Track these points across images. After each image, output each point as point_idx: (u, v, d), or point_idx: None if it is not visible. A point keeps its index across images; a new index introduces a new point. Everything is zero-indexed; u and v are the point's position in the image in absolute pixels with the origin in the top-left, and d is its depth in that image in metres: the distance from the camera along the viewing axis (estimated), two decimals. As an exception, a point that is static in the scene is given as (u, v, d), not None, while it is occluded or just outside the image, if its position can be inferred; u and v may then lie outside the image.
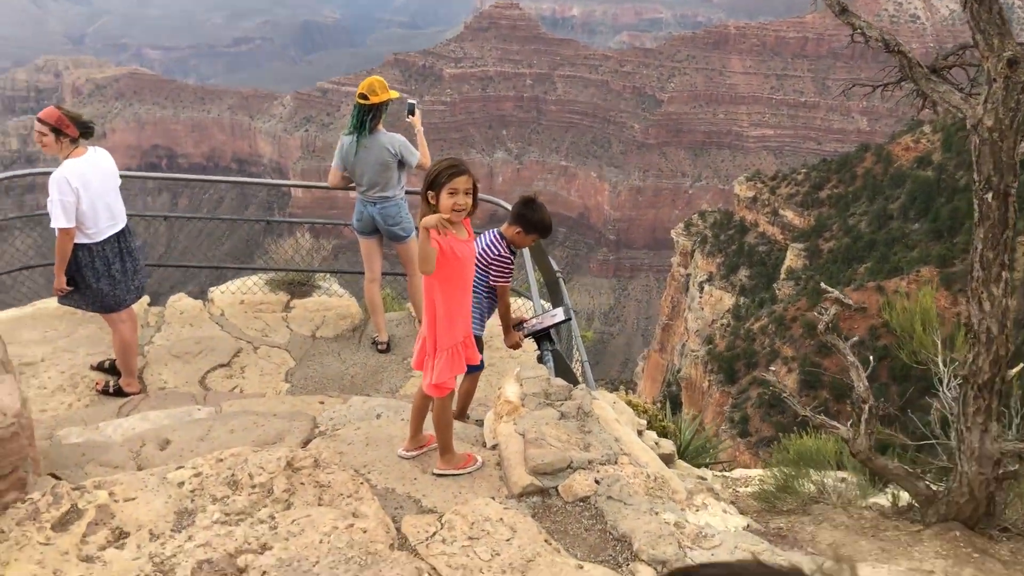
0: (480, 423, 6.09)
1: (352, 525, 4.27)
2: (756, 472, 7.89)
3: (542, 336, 6.40)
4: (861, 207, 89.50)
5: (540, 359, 6.43)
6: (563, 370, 6.19)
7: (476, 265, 5.83)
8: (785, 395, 5.79)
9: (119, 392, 8.14)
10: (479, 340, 6.11)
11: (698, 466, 7.90)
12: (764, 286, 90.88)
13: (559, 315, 6.33)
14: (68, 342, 9.04)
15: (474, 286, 5.75)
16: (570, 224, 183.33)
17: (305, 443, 5.52)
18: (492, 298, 6.03)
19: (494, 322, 6.51)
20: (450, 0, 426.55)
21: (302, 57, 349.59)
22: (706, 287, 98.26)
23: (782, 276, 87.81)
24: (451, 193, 4.67)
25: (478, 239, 5.93)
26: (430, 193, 4.71)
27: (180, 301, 10.10)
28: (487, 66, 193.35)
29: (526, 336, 6.34)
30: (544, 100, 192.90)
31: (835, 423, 5.74)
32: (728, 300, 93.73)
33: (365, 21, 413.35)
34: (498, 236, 5.90)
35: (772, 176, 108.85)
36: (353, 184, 8.65)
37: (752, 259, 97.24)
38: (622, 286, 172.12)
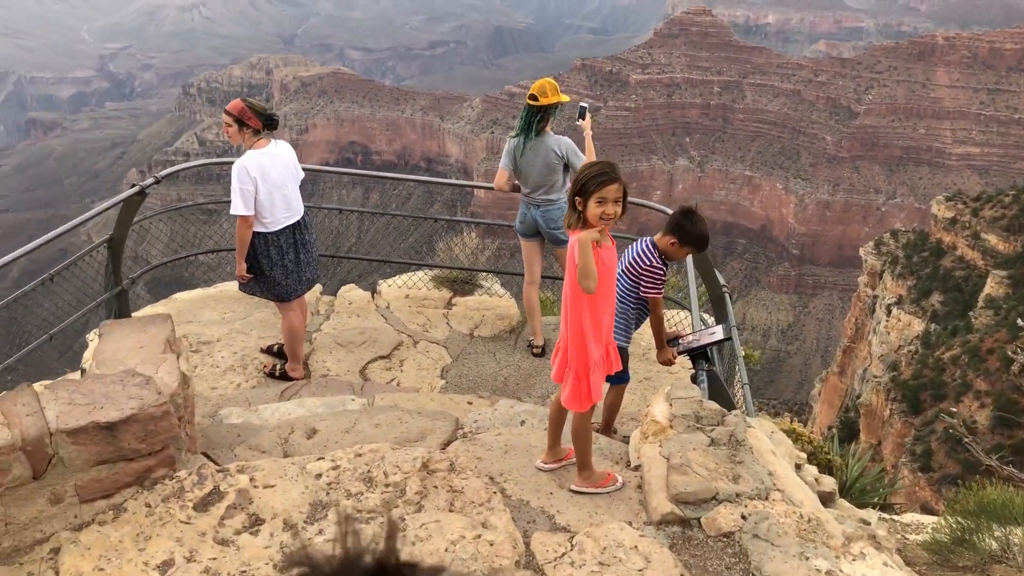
0: (627, 439, 5.85)
1: (480, 536, 4.16)
2: (930, 519, 7.20)
3: (698, 354, 6.07)
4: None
5: (694, 379, 6.11)
6: (718, 392, 5.84)
7: (626, 275, 5.61)
8: (967, 440, 5.20)
9: (284, 376, 8.47)
10: (625, 352, 5.87)
11: (863, 506, 7.30)
12: (959, 314, 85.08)
13: (719, 333, 5.99)
14: (243, 324, 9.52)
15: (622, 296, 5.53)
16: (751, 236, 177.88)
17: (446, 444, 5.48)
18: (641, 309, 5.77)
19: (648, 333, 6.26)
20: (641, 6, 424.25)
21: (492, 61, 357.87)
22: (894, 310, 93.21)
23: (980, 304, 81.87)
24: (599, 202, 4.46)
25: (630, 247, 5.71)
26: (577, 199, 4.52)
27: (351, 292, 10.43)
28: (674, 72, 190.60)
29: (680, 353, 6.03)
30: (731, 108, 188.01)
31: (1025, 477, 5.12)
32: (917, 326, 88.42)
33: (555, 26, 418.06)
34: (651, 246, 5.64)
35: (975, 197, 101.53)
36: (519, 187, 8.61)
37: (947, 284, 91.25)
38: (803, 303, 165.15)
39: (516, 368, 9.06)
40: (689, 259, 7.26)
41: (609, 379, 5.34)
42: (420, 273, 10.62)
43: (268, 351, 8.94)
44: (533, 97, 8.13)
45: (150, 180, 8.82)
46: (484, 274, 10.77)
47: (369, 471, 4.61)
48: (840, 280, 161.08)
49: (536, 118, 8.15)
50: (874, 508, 7.56)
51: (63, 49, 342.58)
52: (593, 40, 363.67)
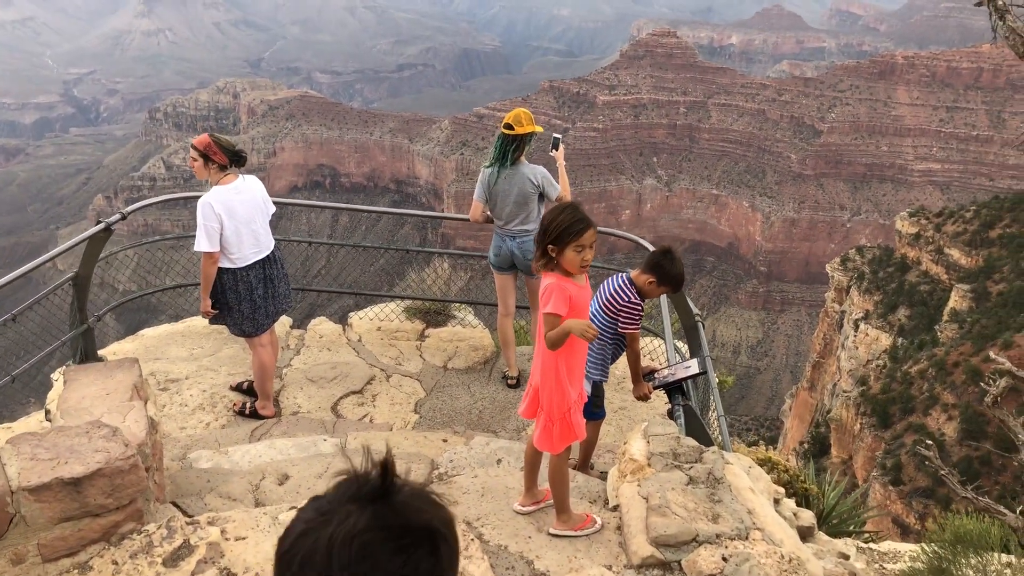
0: (604, 475, 5.79)
1: (458, 587, 4.07)
2: (907, 547, 7.20)
3: (674, 389, 6.04)
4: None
5: (671, 414, 6.07)
6: (695, 428, 5.80)
7: (603, 311, 5.58)
8: (943, 473, 5.20)
9: (254, 414, 8.32)
10: (600, 387, 5.83)
11: (841, 535, 7.29)
12: (925, 328, 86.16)
13: (694, 367, 5.95)
14: (212, 360, 9.35)
15: (600, 332, 5.50)
16: (718, 253, 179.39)
17: (421, 488, 5.40)
18: (618, 344, 5.74)
19: (622, 362, 6.21)
20: (607, 29, 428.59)
21: (461, 83, 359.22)
22: (862, 325, 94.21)
23: (945, 318, 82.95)
24: (578, 249, 4.43)
25: (606, 283, 5.68)
26: (551, 247, 4.46)
27: (321, 325, 10.30)
28: (640, 93, 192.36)
29: (656, 388, 6.00)
30: (697, 128, 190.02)
31: (1001, 508, 5.12)
32: (885, 340, 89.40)
33: (523, 49, 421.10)
34: (627, 282, 5.61)
35: (938, 212, 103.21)
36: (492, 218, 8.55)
37: (913, 299, 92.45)
38: (771, 319, 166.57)
39: (491, 400, 8.98)
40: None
41: (585, 415, 5.29)
42: (392, 304, 10.52)
43: (238, 388, 8.78)
44: (508, 126, 8.09)
45: (116, 217, 8.67)
46: (458, 305, 10.69)
47: (343, 520, 4.51)
48: (808, 296, 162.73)
49: (511, 147, 8.11)
50: (851, 536, 7.55)
51: (26, 75, 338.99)
52: (560, 62, 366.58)
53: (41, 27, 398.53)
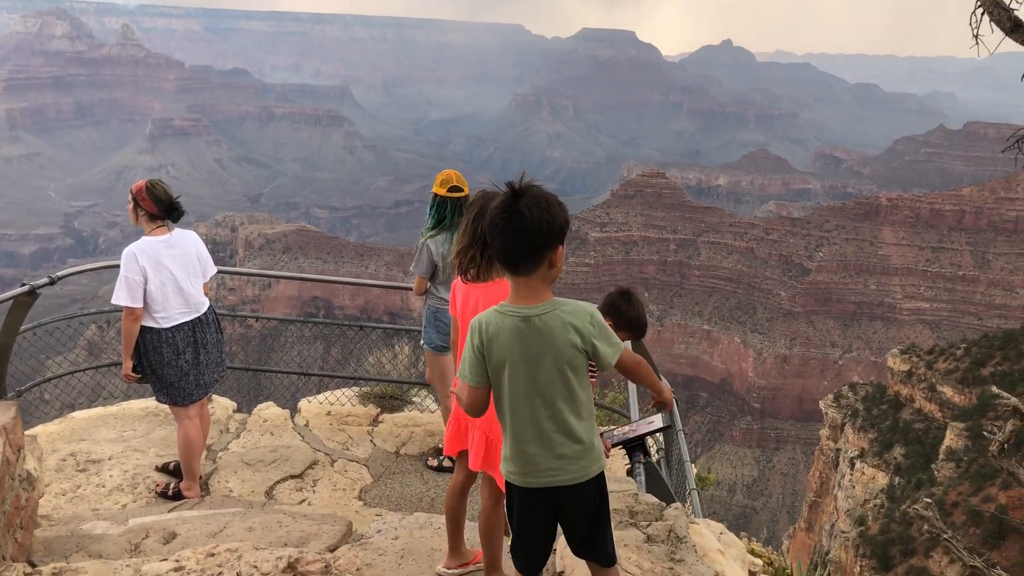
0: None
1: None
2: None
3: (634, 446, 5.29)
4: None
5: (630, 472, 5.30)
6: (656, 486, 5.04)
7: None
8: (946, 537, 4.42)
9: (178, 495, 7.47)
10: None
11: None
12: (921, 466, 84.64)
13: (657, 421, 5.24)
14: (142, 442, 8.55)
15: None
16: (711, 389, 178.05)
17: (331, 550, 4.55)
18: None
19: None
20: (598, 170, 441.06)
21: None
22: (857, 464, 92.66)
23: (941, 456, 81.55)
24: None
25: None
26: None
27: (267, 409, 9.54)
28: (631, 231, 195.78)
29: (615, 445, 5.25)
30: (687, 264, 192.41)
31: (1019, 580, 4.30)
32: (882, 479, 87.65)
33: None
34: None
35: (929, 350, 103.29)
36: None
37: (908, 436, 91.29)
38: (767, 457, 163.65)
39: (446, 488, 8.12)
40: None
41: None
42: (346, 389, 9.78)
43: (164, 469, 7.95)
44: (457, 188, 7.58)
45: (44, 280, 8.06)
46: (415, 389, 9.94)
47: (220, 573, 3.70)
48: (802, 434, 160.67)
49: (457, 209, 7.58)
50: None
51: (28, 207, 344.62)
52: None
53: (47, 162, 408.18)
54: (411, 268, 7.87)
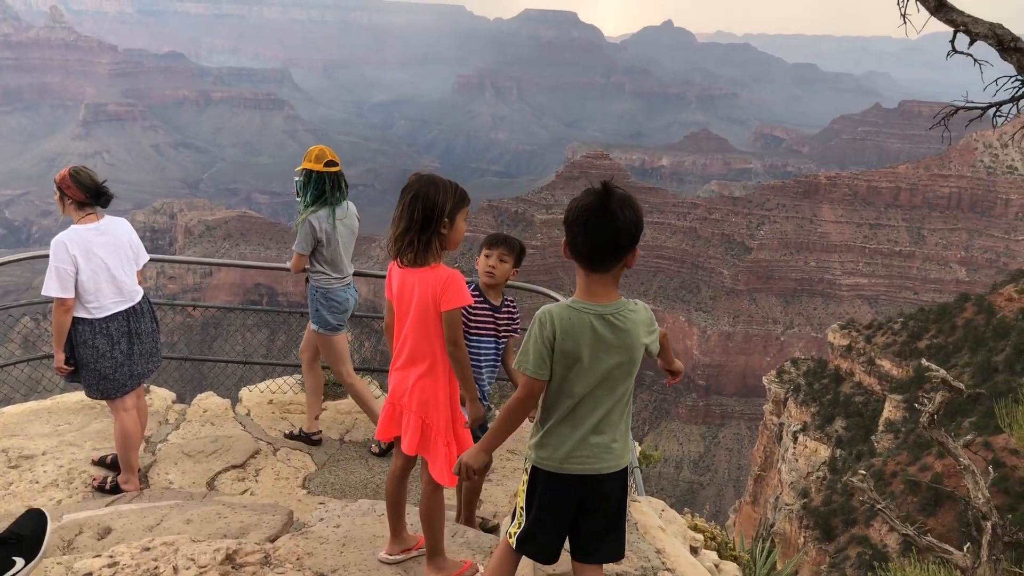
0: (492, 530, 4.97)
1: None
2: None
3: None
4: (963, 359, 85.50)
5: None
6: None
7: (474, 333, 4.98)
8: (880, 507, 4.53)
9: (115, 489, 7.30)
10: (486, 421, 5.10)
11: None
12: (862, 438, 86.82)
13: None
14: (77, 436, 8.33)
15: (475, 357, 4.86)
16: (657, 368, 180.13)
17: (272, 540, 4.50)
18: (493, 367, 5.09)
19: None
20: (542, 152, 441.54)
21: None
22: (800, 437, 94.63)
23: (880, 428, 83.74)
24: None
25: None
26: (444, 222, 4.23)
27: (207, 399, 9.37)
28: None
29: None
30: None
31: (947, 546, 4.42)
32: (824, 451, 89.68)
33: (462, 171, 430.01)
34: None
35: (868, 325, 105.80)
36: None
37: (848, 409, 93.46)
38: (712, 433, 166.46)
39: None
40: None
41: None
42: (287, 377, 9.66)
43: (100, 462, 7.77)
44: (332, 163, 7.47)
45: (-33, 271, 7.79)
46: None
47: (156, 568, 3.62)
48: (746, 409, 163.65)
49: (338, 184, 7.49)
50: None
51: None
52: (499, 183, 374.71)
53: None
54: (293, 246, 7.62)
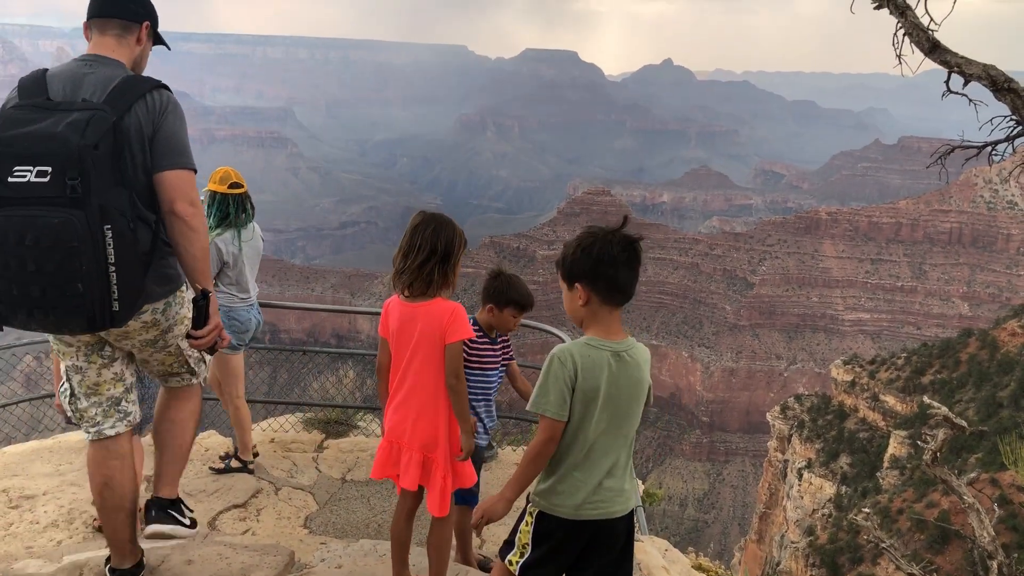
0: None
1: None
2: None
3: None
4: (968, 394, 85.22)
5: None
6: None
7: (477, 367, 4.98)
8: (884, 545, 4.51)
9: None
10: (480, 454, 5.12)
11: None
12: (867, 475, 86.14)
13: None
14: (78, 475, 8.31)
15: (473, 393, 4.87)
16: (661, 404, 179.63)
17: (273, 581, 4.49)
18: (489, 403, 5.10)
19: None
20: (544, 188, 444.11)
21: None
22: (805, 474, 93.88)
23: (886, 464, 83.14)
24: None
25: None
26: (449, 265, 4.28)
27: (208, 438, 9.36)
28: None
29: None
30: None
31: (954, 586, 4.40)
32: (829, 488, 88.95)
33: (464, 207, 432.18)
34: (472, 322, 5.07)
35: (871, 360, 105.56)
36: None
37: (853, 446, 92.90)
38: (716, 470, 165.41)
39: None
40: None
41: (457, 499, 4.62)
42: (289, 415, 9.65)
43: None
44: (236, 184, 7.51)
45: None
46: (361, 414, 9.86)
47: (157, 610, 3.61)
48: (751, 446, 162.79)
49: (240, 205, 7.51)
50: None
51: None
52: (500, 219, 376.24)
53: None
54: None
